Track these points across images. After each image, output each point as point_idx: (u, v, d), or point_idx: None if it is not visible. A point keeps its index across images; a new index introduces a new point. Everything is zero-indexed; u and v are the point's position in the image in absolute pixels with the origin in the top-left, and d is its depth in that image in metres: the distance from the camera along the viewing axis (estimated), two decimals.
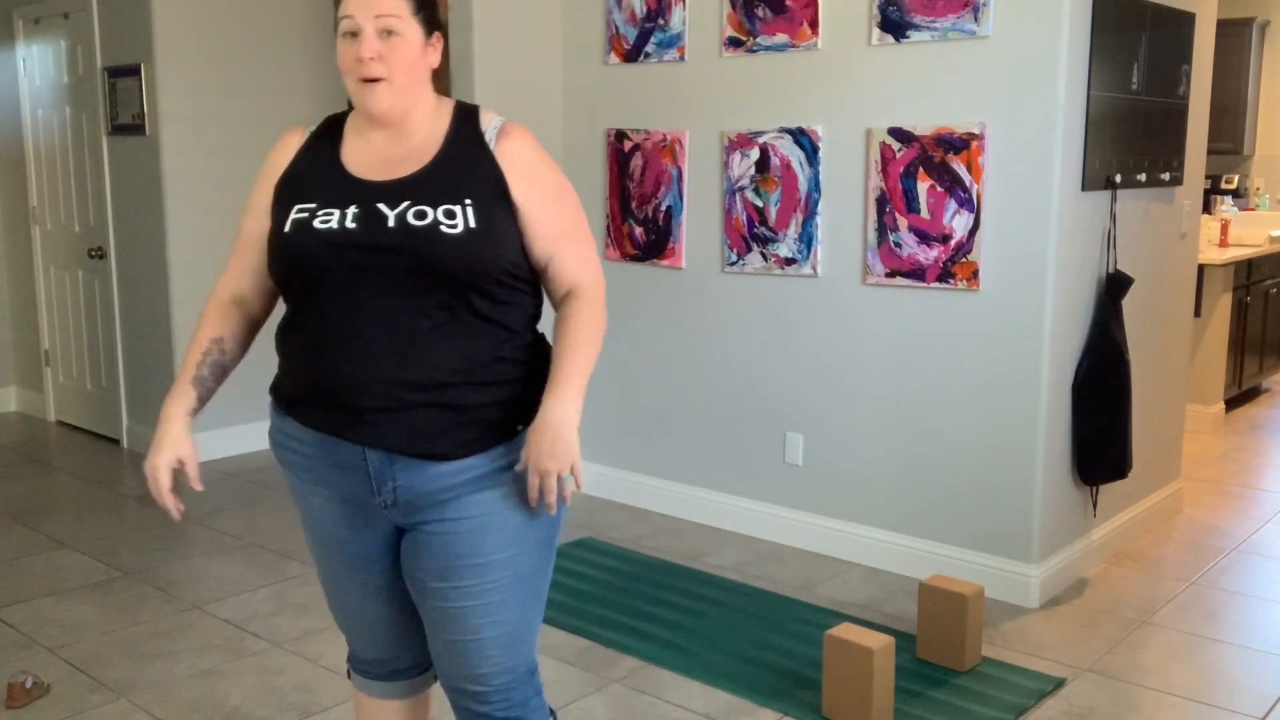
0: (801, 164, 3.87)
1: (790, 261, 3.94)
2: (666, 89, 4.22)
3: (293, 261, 1.72)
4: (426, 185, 1.72)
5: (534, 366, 1.81)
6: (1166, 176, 3.95)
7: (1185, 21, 3.94)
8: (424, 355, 1.69)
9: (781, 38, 3.88)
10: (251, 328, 1.93)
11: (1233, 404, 6.27)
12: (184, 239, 5.16)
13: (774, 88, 3.93)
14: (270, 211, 1.81)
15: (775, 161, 3.94)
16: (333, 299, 1.71)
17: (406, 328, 1.69)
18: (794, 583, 3.73)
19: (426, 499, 1.76)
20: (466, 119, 1.81)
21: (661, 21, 4.19)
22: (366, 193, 1.72)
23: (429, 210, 1.68)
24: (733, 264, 4.09)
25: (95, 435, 5.77)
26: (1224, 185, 7.32)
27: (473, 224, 1.68)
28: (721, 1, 4.01)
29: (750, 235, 4.03)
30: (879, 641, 2.73)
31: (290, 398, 1.82)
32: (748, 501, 4.19)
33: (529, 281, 1.81)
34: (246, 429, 5.40)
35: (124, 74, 5.14)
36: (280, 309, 1.90)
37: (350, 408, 1.72)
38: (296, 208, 1.73)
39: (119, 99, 5.21)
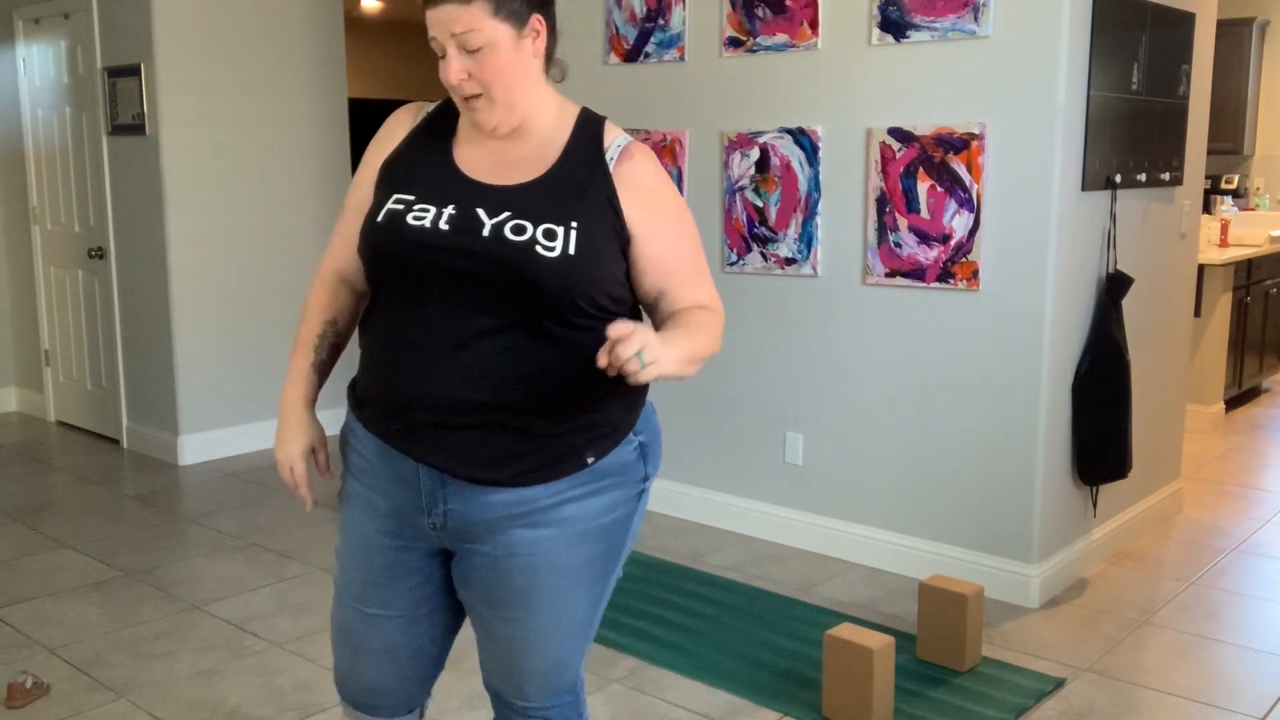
0: (801, 164, 3.87)
1: (790, 261, 3.94)
2: (666, 89, 4.22)
3: (377, 253, 1.64)
4: (533, 198, 1.60)
5: (612, 398, 1.66)
6: (1166, 176, 3.95)
7: (1185, 21, 3.94)
8: (491, 373, 1.58)
9: (781, 38, 3.88)
10: (359, 303, 1.83)
11: (1233, 404, 6.27)
12: (184, 239, 5.16)
13: (774, 88, 3.93)
14: (374, 193, 1.72)
15: (775, 161, 3.94)
16: (409, 299, 1.62)
17: (477, 342, 1.58)
18: (794, 583, 3.73)
19: (478, 527, 1.65)
20: (589, 131, 1.68)
21: (661, 21, 4.19)
22: (469, 194, 1.62)
23: (528, 226, 1.56)
24: (733, 264, 4.09)
25: (95, 435, 5.77)
26: (1224, 185, 7.32)
27: (572, 250, 1.56)
28: (721, 1, 4.01)
29: (750, 235, 4.03)
30: (879, 641, 2.73)
31: (361, 398, 1.73)
32: (748, 501, 4.19)
33: (623, 309, 1.68)
34: (246, 429, 5.40)
35: (124, 74, 5.14)
36: None
37: (409, 419, 1.62)
38: (395, 197, 1.64)
39: (119, 99, 5.21)
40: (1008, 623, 3.40)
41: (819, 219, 3.86)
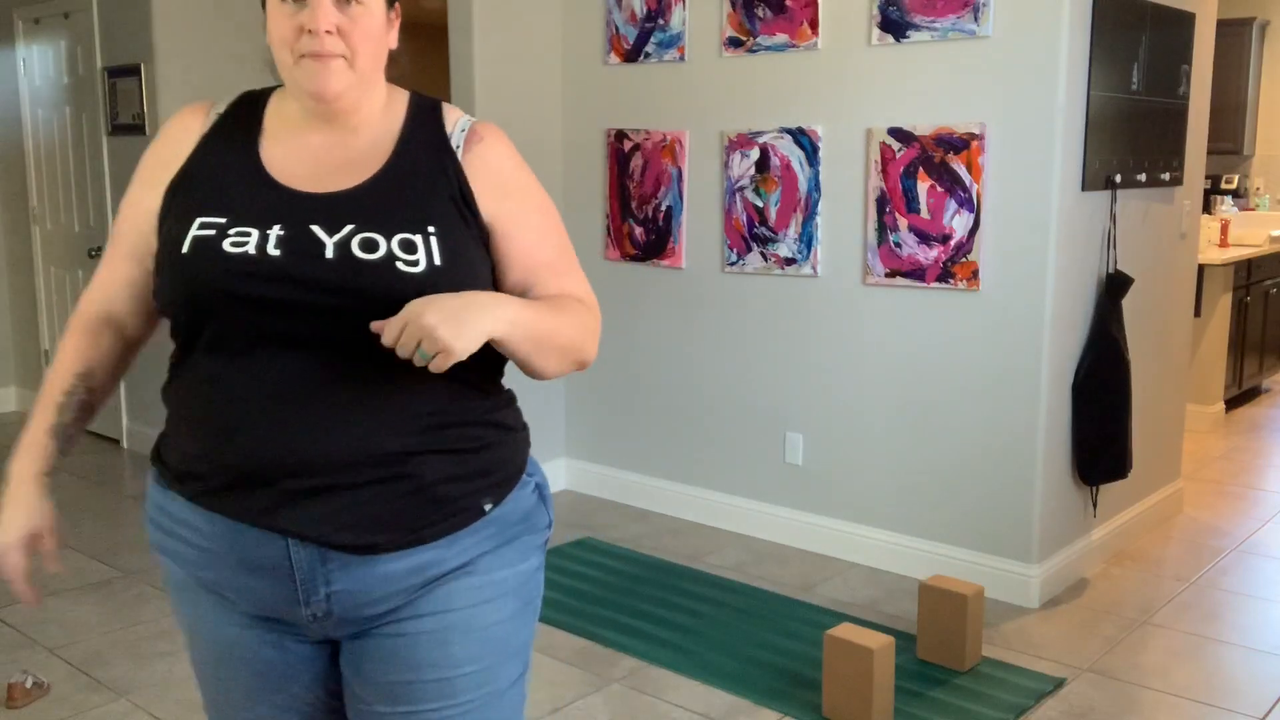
0: (801, 164, 3.87)
1: (790, 261, 3.94)
2: (666, 89, 4.22)
3: (192, 294, 1.32)
4: (376, 204, 1.34)
5: (506, 429, 1.44)
6: (1166, 176, 3.95)
7: (1185, 21, 3.94)
8: (365, 419, 1.31)
9: (781, 38, 3.88)
10: (127, 353, 1.52)
11: (1233, 404, 6.27)
12: None
13: (774, 88, 3.93)
14: (159, 221, 1.40)
15: (775, 161, 3.94)
16: (241, 345, 1.32)
17: (340, 384, 1.31)
18: (794, 583, 3.73)
19: (371, 607, 1.36)
20: (426, 116, 1.44)
21: (661, 21, 4.19)
22: (296, 208, 1.34)
23: (380, 240, 1.30)
24: (733, 264, 4.09)
25: (95, 435, 5.77)
26: (1224, 185, 7.32)
27: (437, 260, 1.31)
28: (721, 1, 4.01)
29: (750, 235, 4.03)
30: (879, 641, 2.73)
31: (183, 470, 1.39)
32: (748, 501, 4.19)
33: None
34: None
35: (124, 74, 5.15)
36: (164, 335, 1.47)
37: (269, 488, 1.31)
38: (199, 222, 1.33)
39: (119, 99, 5.21)
40: (1008, 623, 3.40)
41: (819, 219, 3.86)
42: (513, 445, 1.46)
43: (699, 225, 4.19)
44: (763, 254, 4.01)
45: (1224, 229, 6.22)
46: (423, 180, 1.38)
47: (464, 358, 1.22)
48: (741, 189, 4.04)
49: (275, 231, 1.32)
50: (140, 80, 5.06)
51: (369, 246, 1.31)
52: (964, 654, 3.04)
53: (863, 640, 2.73)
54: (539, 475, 1.51)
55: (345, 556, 1.34)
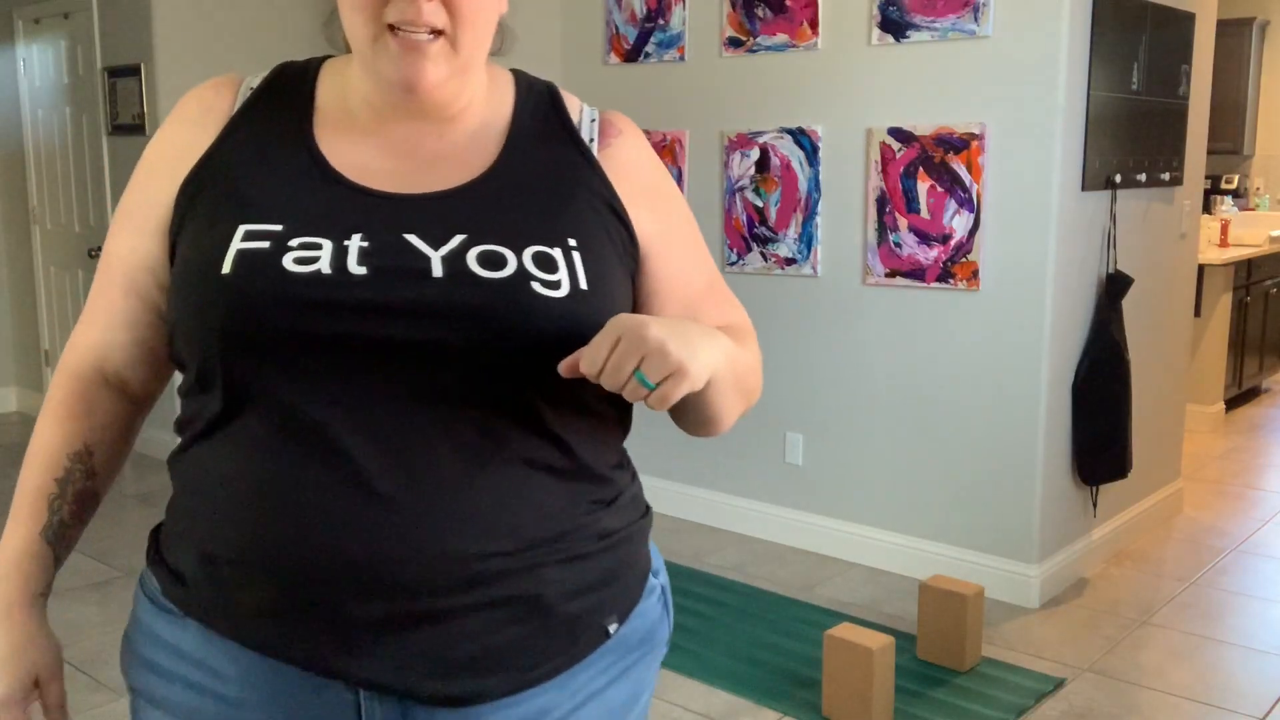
0: (801, 164, 3.87)
1: (790, 261, 3.94)
2: (666, 89, 4.22)
3: (237, 333, 0.95)
4: (493, 208, 1.01)
5: (622, 520, 1.08)
6: (1166, 176, 3.95)
7: (1185, 21, 3.94)
8: (490, 514, 0.96)
9: (781, 38, 3.88)
10: (134, 417, 1.12)
11: (1233, 404, 6.27)
12: None
13: (774, 88, 3.93)
14: (173, 230, 1.03)
15: (775, 161, 3.94)
16: (310, 405, 0.95)
17: (455, 463, 0.95)
18: (794, 583, 3.73)
19: None
20: (541, 100, 1.12)
21: (661, 21, 4.19)
22: (379, 212, 0.99)
23: (507, 254, 0.97)
24: (733, 264, 4.09)
25: None
26: (1224, 185, 7.32)
27: (582, 281, 0.98)
28: (721, 1, 4.02)
29: (750, 235, 4.03)
30: (879, 641, 2.73)
31: (200, 581, 0.99)
32: (748, 501, 4.19)
33: None
34: None
35: (124, 74, 5.15)
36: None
37: (333, 615, 0.94)
38: (244, 230, 0.97)
39: (119, 99, 5.21)
40: (1008, 623, 3.40)
41: (819, 219, 3.86)
42: (639, 538, 1.11)
43: (699, 225, 4.18)
44: (763, 254, 4.01)
45: (1224, 229, 6.22)
46: (552, 180, 1.04)
47: (699, 387, 0.92)
48: (741, 189, 4.04)
49: (356, 243, 0.96)
50: (140, 80, 5.07)
51: (492, 262, 0.96)
52: (964, 654, 3.04)
53: (863, 640, 2.73)
54: (663, 574, 1.18)
55: (438, 713, 0.96)
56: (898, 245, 3.66)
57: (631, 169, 1.10)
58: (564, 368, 0.93)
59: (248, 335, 0.95)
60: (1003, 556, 3.58)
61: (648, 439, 4.47)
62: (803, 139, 3.86)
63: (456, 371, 0.95)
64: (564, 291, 0.97)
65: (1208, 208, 6.91)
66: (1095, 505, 3.80)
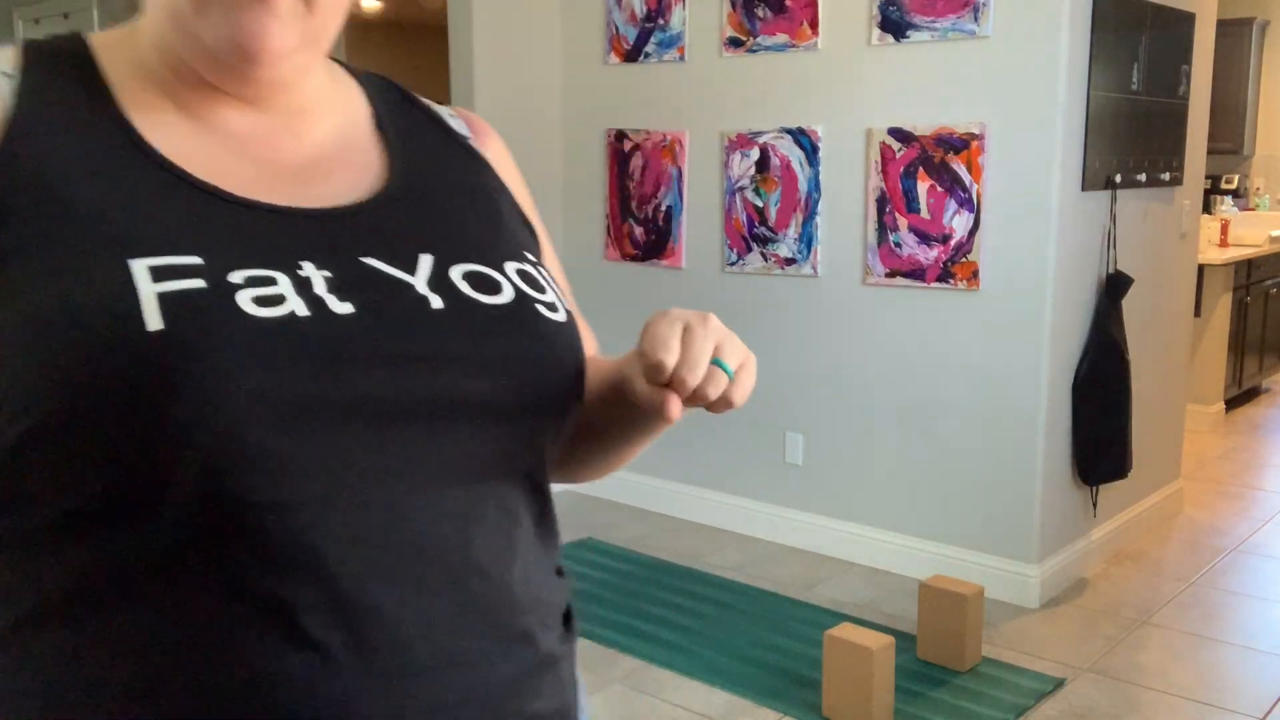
0: (801, 164, 3.87)
1: (790, 261, 3.94)
2: (666, 89, 4.22)
3: (196, 413, 0.65)
4: (434, 219, 0.82)
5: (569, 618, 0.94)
6: (1166, 176, 3.95)
7: (1185, 21, 3.94)
8: (519, 586, 0.80)
9: (781, 38, 3.88)
10: None
11: (1233, 404, 6.27)
12: None
13: (774, 88, 3.93)
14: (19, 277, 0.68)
15: (775, 161, 3.94)
16: (298, 505, 0.68)
17: (487, 530, 0.77)
18: (794, 583, 3.73)
19: None
20: (389, 91, 0.92)
21: (661, 21, 4.19)
22: (303, 231, 0.76)
23: (492, 272, 0.80)
24: (733, 264, 4.09)
25: None
26: (1224, 185, 7.32)
27: (564, 300, 0.85)
28: (721, 1, 4.02)
29: (750, 235, 4.03)
30: (879, 641, 2.73)
31: None
32: (748, 501, 4.19)
33: None
34: None
35: None
36: None
37: None
38: (146, 266, 0.68)
39: None
40: (1008, 623, 3.40)
41: (819, 219, 3.86)
42: (572, 660, 0.91)
43: (699, 225, 4.19)
44: (763, 254, 4.01)
45: (1224, 229, 6.22)
46: (466, 185, 0.88)
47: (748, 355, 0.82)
48: (741, 189, 4.04)
49: (313, 272, 0.72)
50: None
51: (485, 284, 0.78)
52: (964, 654, 3.04)
53: (863, 640, 2.73)
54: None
55: None
56: (898, 245, 3.66)
57: (510, 174, 0.94)
58: (644, 366, 0.75)
59: (216, 419, 0.65)
60: (1003, 556, 3.58)
61: None
62: (803, 139, 3.86)
63: (485, 429, 0.75)
64: (562, 314, 0.82)
65: (1208, 208, 6.91)
66: (1095, 505, 3.80)
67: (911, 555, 3.77)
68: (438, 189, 0.86)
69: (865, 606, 3.53)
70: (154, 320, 0.66)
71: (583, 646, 3.22)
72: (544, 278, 0.83)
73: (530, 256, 0.85)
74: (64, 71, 0.79)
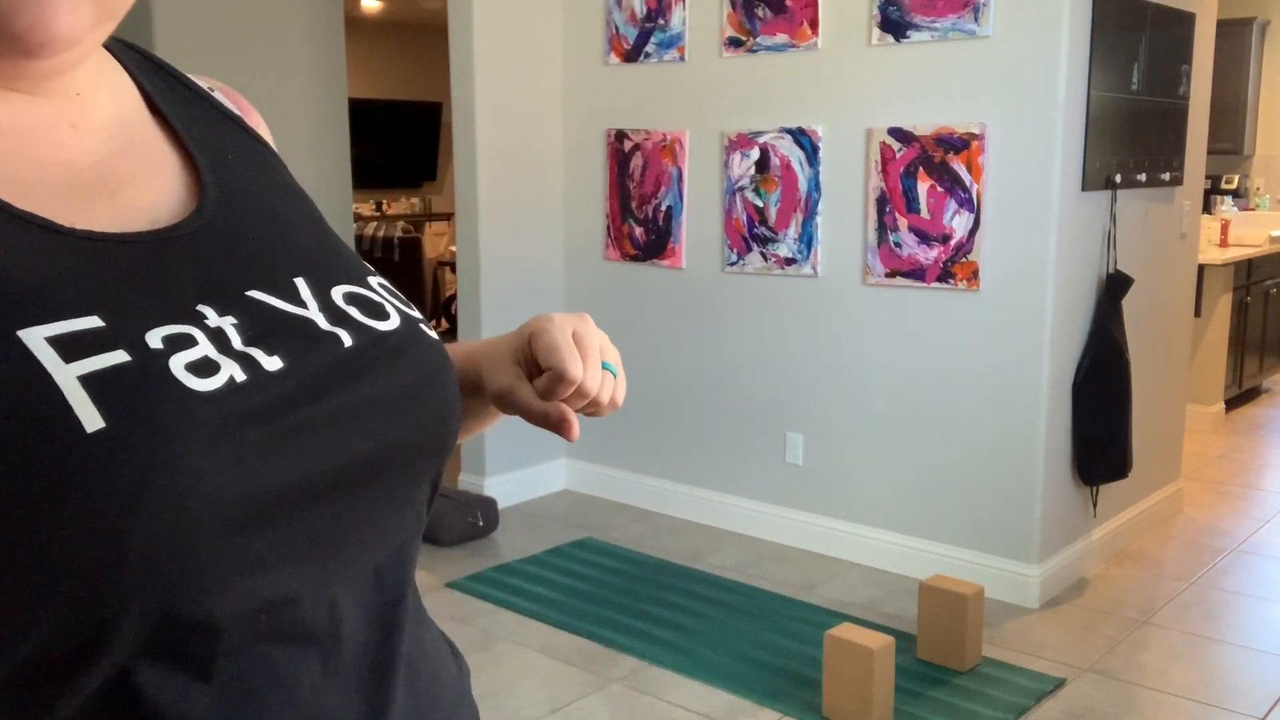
0: (801, 164, 3.87)
1: (790, 261, 3.94)
2: (666, 89, 4.22)
3: (158, 527, 0.51)
4: (278, 232, 0.71)
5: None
6: (1166, 176, 3.95)
7: (1185, 21, 3.94)
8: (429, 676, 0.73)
9: (781, 38, 3.88)
10: None
11: (1233, 404, 6.27)
12: None
13: (774, 88, 3.93)
14: None
15: (775, 161, 3.94)
16: (246, 620, 0.57)
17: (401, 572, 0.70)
18: (794, 583, 3.73)
19: None
20: (140, 61, 0.75)
21: (661, 21, 4.19)
22: (176, 265, 0.63)
23: (368, 294, 0.70)
24: (733, 264, 4.09)
25: None
26: (1224, 185, 7.32)
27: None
28: (721, 1, 4.02)
29: (750, 235, 4.03)
30: (879, 641, 2.73)
31: None
32: (748, 501, 4.19)
33: None
34: None
35: None
36: None
37: None
38: (46, 336, 0.52)
39: None
40: (1008, 623, 3.40)
41: (819, 219, 3.86)
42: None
43: (699, 225, 4.19)
44: (763, 254, 4.01)
45: (1224, 229, 6.22)
46: (273, 183, 0.75)
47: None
48: (741, 189, 4.04)
49: (217, 320, 0.61)
50: None
51: (367, 306, 0.69)
52: (964, 654, 3.04)
53: (863, 640, 2.73)
54: None
55: None
56: (898, 245, 3.66)
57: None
58: (548, 380, 0.73)
59: (184, 541, 0.53)
60: (1003, 556, 3.58)
61: (648, 439, 4.48)
62: (803, 139, 3.86)
63: (411, 471, 0.68)
64: (433, 331, 0.73)
65: (1208, 208, 6.92)
66: (1095, 505, 3.80)
67: (911, 555, 3.77)
68: (255, 189, 0.72)
69: (865, 606, 3.53)
70: (90, 417, 0.51)
71: (583, 646, 3.22)
72: (389, 285, 0.74)
73: (368, 264, 0.74)
74: None
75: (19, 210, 0.58)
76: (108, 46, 0.71)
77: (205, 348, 0.58)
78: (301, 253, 0.69)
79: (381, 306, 0.69)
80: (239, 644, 0.57)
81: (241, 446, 0.55)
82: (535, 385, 0.75)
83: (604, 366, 0.76)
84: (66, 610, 0.50)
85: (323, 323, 0.65)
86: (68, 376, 0.51)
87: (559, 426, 0.75)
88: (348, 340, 0.64)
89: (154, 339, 0.56)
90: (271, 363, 0.60)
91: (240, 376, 0.58)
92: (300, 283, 0.66)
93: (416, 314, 0.72)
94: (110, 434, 0.51)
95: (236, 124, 0.76)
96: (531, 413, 0.76)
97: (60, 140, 0.64)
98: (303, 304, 0.65)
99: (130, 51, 0.75)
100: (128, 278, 0.59)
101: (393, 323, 0.68)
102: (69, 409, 0.50)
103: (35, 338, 0.52)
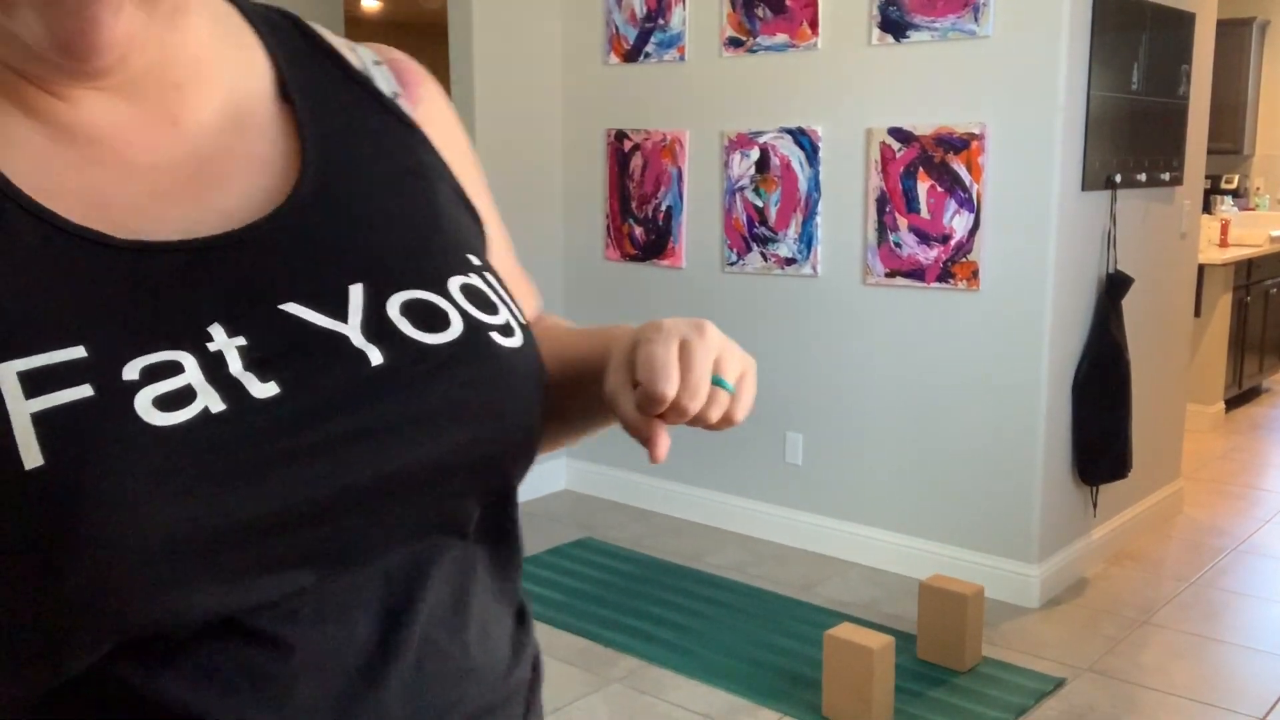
0: (801, 164, 3.87)
1: (790, 261, 3.94)
2: (666, 89, 4.22)
3: (88, 583, 0.53)
4: (361, 229, 0.68)
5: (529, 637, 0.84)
6: (1166, 176, 3.95)
7: (1185, 21, 3.94)
8: (491, 640, 0.73)
9: (781, 38, 3.88)
10: None
11: (1233, 404, 6.27)
12: None
13: (774, 88, 3.93)
14: None
15: (775, 161, 3.94)
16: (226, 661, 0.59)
17: (435, 600, 0.68)
18: (794, 583, 3.73)
19: None
20: (287, 33, 0.74)
21: (661, 21, 4.19)
22: (207, 276, 0.62)
23: (434, 298, 0.67)
24: (733, 264, 4.09)
25: None
26: (1224, 185, 7.32)
27: (519, 314, 0.73)
28: (721, 1, 4.02)
29: (750, 235, 4.03)
30: (879, 641, 2.73)
31: None
32: (748, 501, 4.19)
33: None
34: None
35: None
36: None
37: None
38: (19, 371, 0.54)
39: None
40: (1008, 623, 3.40)
41: (819, 219, 3.86)
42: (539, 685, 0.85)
43: (699, 225, 4.19)
44: (763, 254, 4.01)
45: (1224, 229, 6.22)
46: (397, 170, 0.72)
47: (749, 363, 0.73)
48: (741, 189, 4.04)
49: (225, 340, 0.60)
50: None
51: (428, 315, 0.66)
52: (964, 654, 3.04)
53: (863, 640, 2.73)
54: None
55: None
56: (898, 245, 3.66)
57: (447, 136, 0.78)
58: (641, 394, 0.68)
59: (123, 582, 0.54)
60: (1003, 556, 3.58)
61: None
62: (803, 139, 3.86)
63: (435, 491, 0.65)
64: (518, 337, 0.69)
65: (1208, 208, 6.91)
66: (1095, 505, 3.80)
67: (911, 555, 3.77)
68: (360, 183, 0.70)
69: (865, 606, 3.53)
70: (30, 454, 0.52)
71: (583, 646, 3.22)
72: (493, 288, 0.70)
73: (474, 260, 0.71)
74: None
75: (74, 226, 0.59)
76: (253, 21, 0.71)
77: (189, 376, 0.57)
78: (373, 255, 0.67)
79: (445, 316, 0.65)
80: (204, 644, 0.58)
81: (199, 480, 0.55)
82: (635, 397, 0.70)
83: (716, 382, 0.69)
84: (23, 622, 0.54)
85: (356, 338, 0.62)
86: (22, 413, 0.53)
87: (647, 444, 0.71)
88: (377, 359, 0.62)
89: (131, 370, 0.56)
90: (264, 389, 0.58)
91: (217, 407, 0.57)
92: (355, 290, 0.64)
93: (500, 319, 0.69)
94: (44, 471, 0.52)
95: (379, 104, 0.74)
96: (626, 425, 0.72)
97: (155, 142, 0.64)
98: (344, 317, 0.63)
99: (278, 22, 0.73)
100: (148, 295, 0.59)
101: (449, 334, 0.65)
102: (14, 446, 0.52)
103: (8, 373, 0.54)
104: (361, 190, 0.69)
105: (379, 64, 0.76)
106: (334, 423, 0.60)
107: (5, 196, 0.58)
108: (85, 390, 0.54)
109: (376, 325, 0.63)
